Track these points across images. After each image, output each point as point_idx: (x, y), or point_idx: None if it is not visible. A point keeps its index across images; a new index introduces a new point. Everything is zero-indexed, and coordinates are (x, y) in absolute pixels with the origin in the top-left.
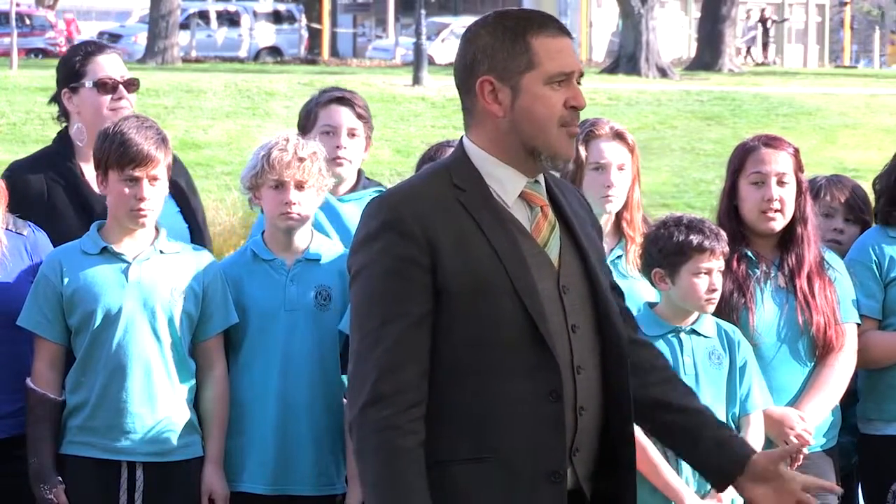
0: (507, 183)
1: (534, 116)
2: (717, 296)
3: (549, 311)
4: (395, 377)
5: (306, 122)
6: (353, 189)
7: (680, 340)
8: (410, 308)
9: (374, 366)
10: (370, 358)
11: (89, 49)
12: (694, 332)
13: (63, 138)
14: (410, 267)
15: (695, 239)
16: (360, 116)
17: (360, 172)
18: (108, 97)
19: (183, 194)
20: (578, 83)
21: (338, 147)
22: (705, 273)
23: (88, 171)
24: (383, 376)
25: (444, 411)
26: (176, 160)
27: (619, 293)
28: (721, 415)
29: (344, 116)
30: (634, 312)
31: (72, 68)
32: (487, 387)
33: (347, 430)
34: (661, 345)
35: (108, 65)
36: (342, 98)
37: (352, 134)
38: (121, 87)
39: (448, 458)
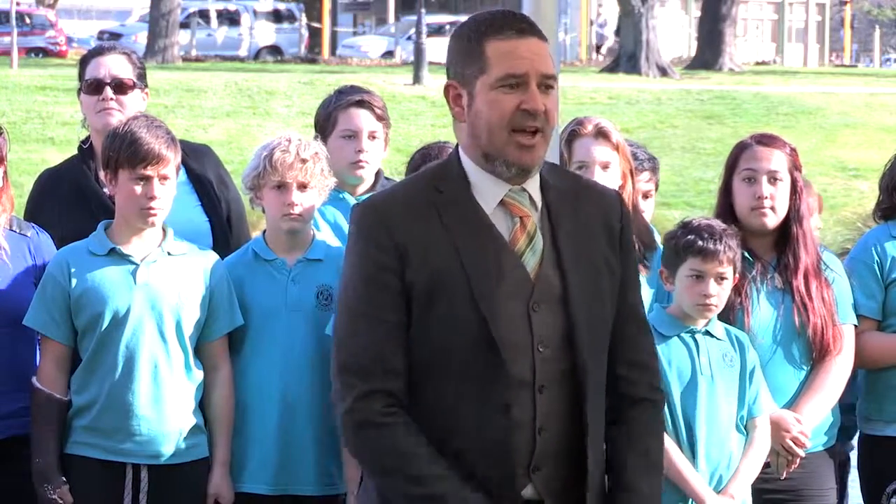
0: (486, 190)
1: (484, 121)
2: (714, 301)
3: (513, 325)
4: (382, 382)
5: (325, 125)
6: (372, 188)
7: (696, 341)
8: (388, 315)
9: (359, 370)
10: (354, 364)
11: (92, 51)
12: (708, 333)
13: (87, 140)
14: (384, 273)
15: (692, 240)
16: (379, 118)
17: (378, 172)
18: (95, 98)
19: (205, 188)
20: (548, 86)
21: (359, 151)
22: (697, 276)
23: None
24: (370, 380)
25: (410, 414)
26: (210, 153)
27: (640, 325)
28: (733, 415)
29: (364, 120)
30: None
31: (79, 71)
32: (437, 391)
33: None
34: (677, 343)
35: (100, 66)
36: (361, 101)
37: (372, 136)
38: (107, 88)
39: None
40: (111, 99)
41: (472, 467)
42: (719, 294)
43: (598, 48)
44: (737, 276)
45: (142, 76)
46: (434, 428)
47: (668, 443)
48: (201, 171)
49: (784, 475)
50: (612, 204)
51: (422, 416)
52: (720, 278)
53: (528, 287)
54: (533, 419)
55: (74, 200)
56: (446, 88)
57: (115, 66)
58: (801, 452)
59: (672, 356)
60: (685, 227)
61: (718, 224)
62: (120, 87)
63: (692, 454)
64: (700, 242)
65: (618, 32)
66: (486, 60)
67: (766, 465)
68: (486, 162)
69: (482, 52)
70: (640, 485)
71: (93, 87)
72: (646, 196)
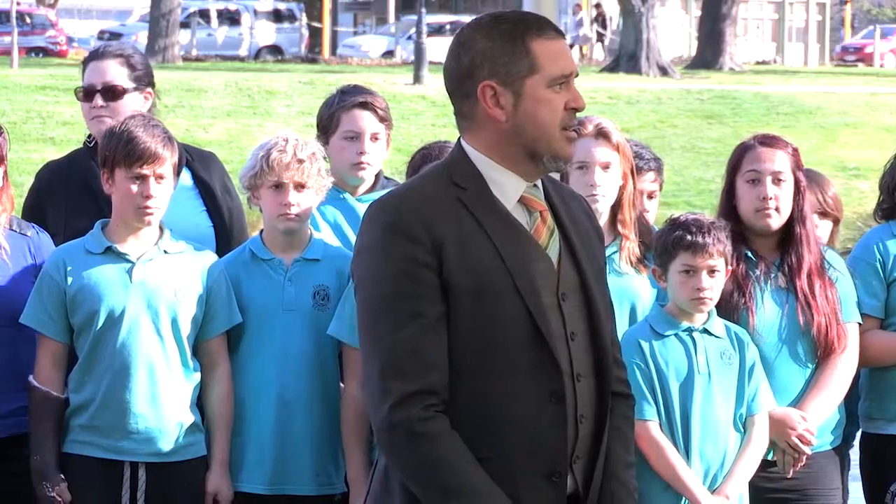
0: (506, 187)
1: (537, 120)
2: (708, 295)
3: (551, 316)
4: (420, 379)
5: (328, 125)
6: (372, 188)
7: (693, 339)
8: (425, 309)
9: (396, 370)
10: (390, 362)
11: (92, 54)
12: (706, 331)
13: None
14: (419, 268)
15: (680, 236)
16: (382, 119)
17: (378, 172)
18: (87, 105)
19: (211, 193)
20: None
21: (361, 153)
22: (690, 271)
23: None
24: (409, 378)
25: (449, 411)
26: (216, 161)
27: (614, 321)
28: (730, 414)
29: (366, 122)
30: (646, 312)
31: (81, 72)
32: (489, 387)
33: (376, 438)
34: (673, 342)
35: (93, 72)
36: (364, 103)
37: (374, 138)
38: (97, 96)
39: None
40: (101, 106)
41: (520, 463)
42: (712, 287)
43: (570, 47)
44: (729, 267)
45: (141, 77)
46: (476, 428)
47: (664, 441)
48: (207, 177)
49: (790, 473)
50: (585, 203)
51: (462, 417)
52: (712, 271)
53: (554, 278)
54: (575, 407)
55: (81, 195)
56: (482, 88)
57: (108, 71)
58: (807, 450)
59: (669, 355)
60: (673, 223)
61: (706, 217)
62: (111, 94)
63: (686, 453)
64: (688, 237)
65: (602, 24)
66: (536, 60)
67: (772, 463)
68: (531, 160)
69: (528, 51)
70: (625, 476)
71: (85, 94)
72: (650, 196)
